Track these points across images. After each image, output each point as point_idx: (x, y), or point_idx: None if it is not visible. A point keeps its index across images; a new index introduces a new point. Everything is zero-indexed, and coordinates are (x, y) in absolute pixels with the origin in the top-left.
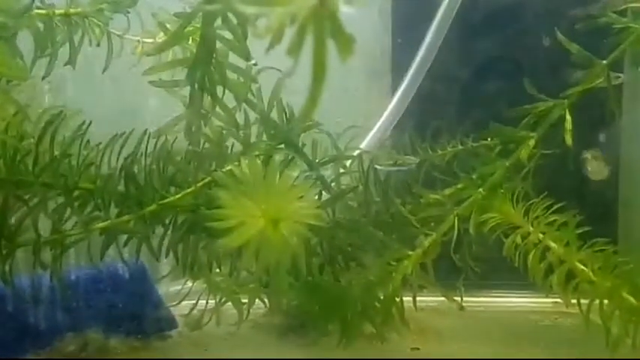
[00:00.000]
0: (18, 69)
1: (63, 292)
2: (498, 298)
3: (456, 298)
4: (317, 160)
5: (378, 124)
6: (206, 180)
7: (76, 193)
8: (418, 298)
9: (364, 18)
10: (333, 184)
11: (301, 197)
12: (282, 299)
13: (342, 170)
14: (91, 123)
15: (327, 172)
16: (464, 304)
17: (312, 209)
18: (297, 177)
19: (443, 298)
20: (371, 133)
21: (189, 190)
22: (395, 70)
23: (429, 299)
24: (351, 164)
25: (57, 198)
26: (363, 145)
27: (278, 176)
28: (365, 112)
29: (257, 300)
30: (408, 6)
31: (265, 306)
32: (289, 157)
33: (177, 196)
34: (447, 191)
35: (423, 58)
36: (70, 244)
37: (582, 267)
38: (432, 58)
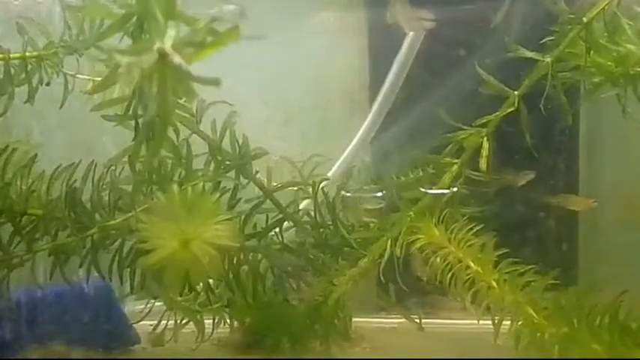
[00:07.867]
0: None
1: (8, 309)
2: (460, 320)
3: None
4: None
5: (345, 153)
6: (145, 206)
7: (25, 218)
8: (380, 319)
9: (345, 56)
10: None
11: (218, 220)
12: (243, 318)
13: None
14: (37, 155)
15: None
16: (424, 325)
17: (223, 230)
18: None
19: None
20: (338, 162)
21: (129, 214)
22: (372, 102)
23: (393, 320)
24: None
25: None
26: (330, 173)
27: (197, 201)
28: (344, 141)
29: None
30: (383, 44)
31: (226, 324)
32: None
33: (118, 221)
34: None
35: (387, 93)
36: (16, 265)
37: (495, 285)
38: (395, 93)
